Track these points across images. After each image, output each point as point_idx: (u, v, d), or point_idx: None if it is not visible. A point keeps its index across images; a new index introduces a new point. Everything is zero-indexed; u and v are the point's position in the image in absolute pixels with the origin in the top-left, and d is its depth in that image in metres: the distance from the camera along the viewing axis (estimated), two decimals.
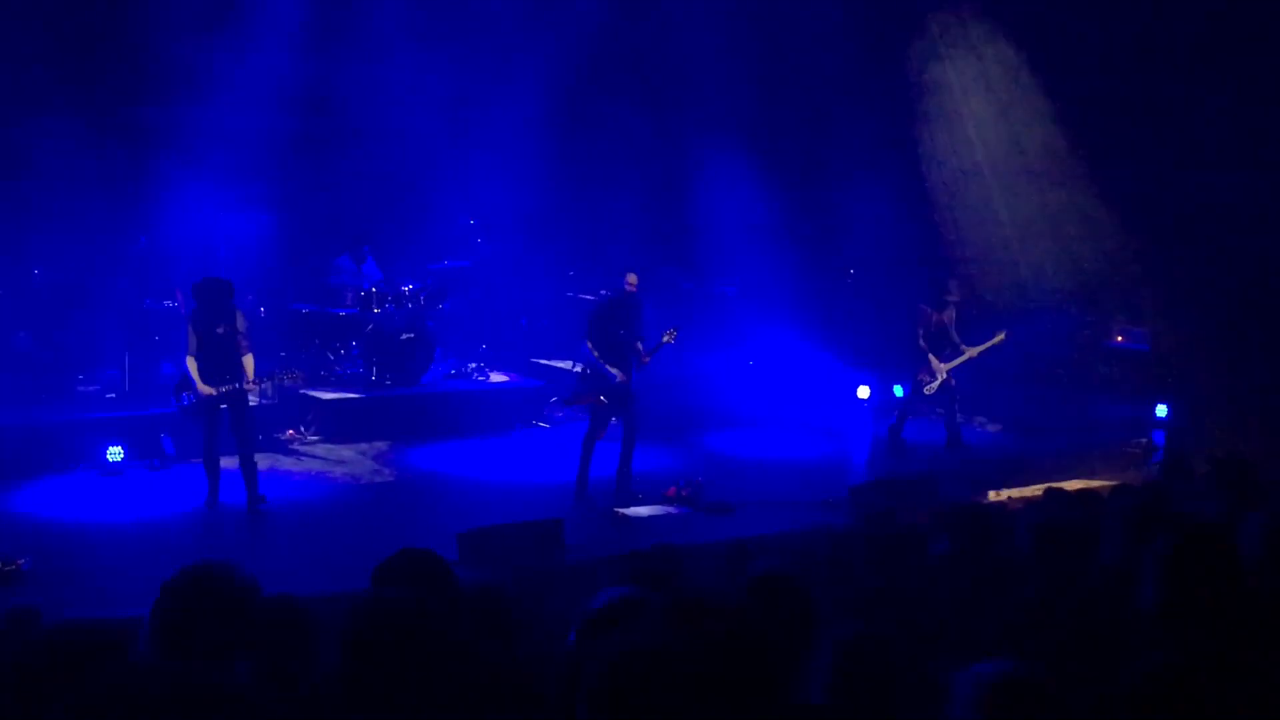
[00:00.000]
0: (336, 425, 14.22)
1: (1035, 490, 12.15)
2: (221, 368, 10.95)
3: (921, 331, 14.15)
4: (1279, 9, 13.38)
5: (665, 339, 11.80)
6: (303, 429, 14.10)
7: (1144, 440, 14.06)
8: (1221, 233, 14.23)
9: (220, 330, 10.92)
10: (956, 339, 14.15)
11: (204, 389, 10.89)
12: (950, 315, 14.14)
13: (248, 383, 11.08)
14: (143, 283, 14.75)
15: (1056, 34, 14.89)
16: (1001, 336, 14.09)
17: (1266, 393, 13.54)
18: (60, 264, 14.73)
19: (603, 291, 14.55)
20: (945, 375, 14.08)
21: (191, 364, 10.97)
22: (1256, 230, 14.03)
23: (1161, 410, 14.33)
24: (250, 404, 11.53)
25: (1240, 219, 14.11)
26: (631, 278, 11.64)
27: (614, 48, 16.51)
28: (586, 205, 17.05)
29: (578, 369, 12.29)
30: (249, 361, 11.07)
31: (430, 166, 16.62)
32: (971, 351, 14.11)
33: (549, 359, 16.36)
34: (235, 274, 14.89)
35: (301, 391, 14.48)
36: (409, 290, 15.52)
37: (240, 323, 11.06)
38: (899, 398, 14.70)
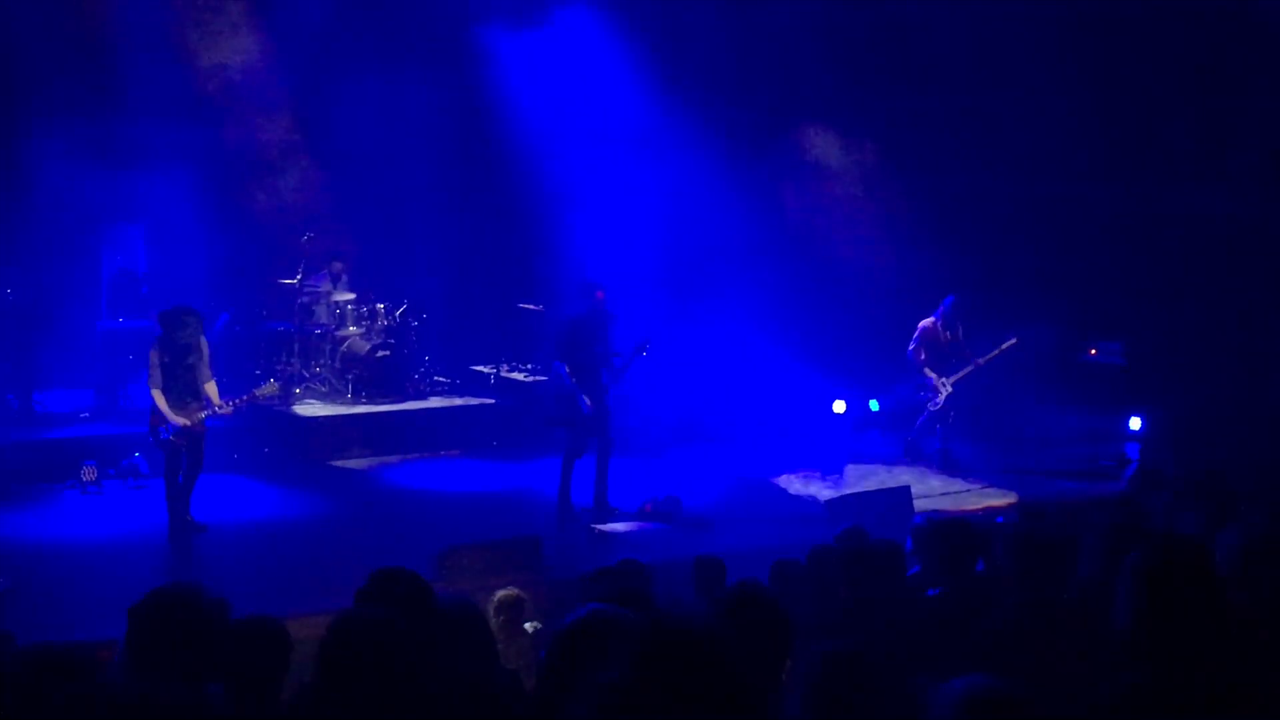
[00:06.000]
0: (313, 443, 14.16)
1: (1007, 500, 12.27)
2: (186, 396, 10.61)
3: (921, 346, 14.12)
4: None
5: (638, 352, 11.76)
6: (276, 447, 14.02)
7: (1119, 454, 14.11)
8: (1194, 244, 14.33)
9: (189, 360, 10.57)
10: (967, 353, 14.14)
11: (179, 419, 10.52)
12: (958, 331, 14.15)
13: (223, 406, 10.73)
14: (116, 302, 14.68)
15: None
16: (1012, 342, 14.09)
17: (1242, 405, 13.61)
18: (34, 283, 14.65)
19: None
20: (950, 389, 14.12)
21: (159, 396, 10.54)
22: (1229, 241, 14.14)
23: (1136, 423, 14.38)
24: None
25: (1212, 230, 14.22)
26: (599, 292, 11.62)
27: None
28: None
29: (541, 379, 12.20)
30: (212, 388, 10.72)
31: (404, 184, 16.66)
32: (981, 361, 14.10)
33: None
34: (210, 292, 14.95)
35: (277, 409, 14.46)
36: (383, 307, 15.51)
37: (205, 351, 10.74)
38: (924, 414, 14.48)
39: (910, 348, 14.19)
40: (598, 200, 16.53)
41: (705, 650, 3.26)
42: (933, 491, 12.95)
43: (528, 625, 7.27)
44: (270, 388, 11.81)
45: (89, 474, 12.31)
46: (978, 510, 11.82)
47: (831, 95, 16.53)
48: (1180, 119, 14.27)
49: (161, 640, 3.85)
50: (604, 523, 11.61)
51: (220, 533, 11.01)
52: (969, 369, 14.08)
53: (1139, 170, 14.59)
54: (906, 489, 12.06)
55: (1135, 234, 14.79)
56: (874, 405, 14.98)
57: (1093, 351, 15.44)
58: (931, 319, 14.13)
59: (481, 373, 16.45)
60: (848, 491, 12.51)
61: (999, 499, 12.59)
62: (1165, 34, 13.99)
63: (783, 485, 13.46)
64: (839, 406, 15.21)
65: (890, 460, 14.57)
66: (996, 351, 14.04)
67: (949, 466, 14.09)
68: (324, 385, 15.37)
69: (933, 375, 14.12)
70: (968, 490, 13.16)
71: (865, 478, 13.76)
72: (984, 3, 15.11)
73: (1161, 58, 14.07)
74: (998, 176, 15.62)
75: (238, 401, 10.98)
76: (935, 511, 11.43)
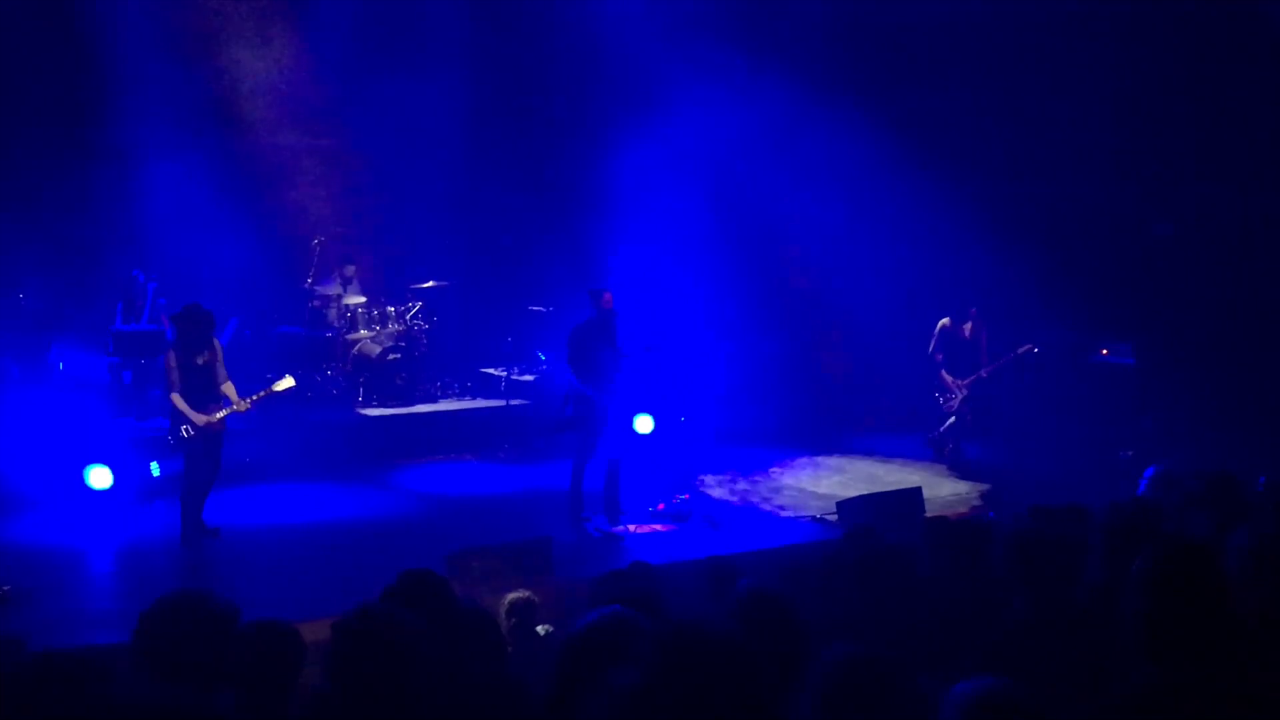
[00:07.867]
0: (324, 447, 14.18)
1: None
2: (204, 398, 10.66)
3: (939, 347, 14.21)
4: None
5: (645, 351, 11.74)
6: (288, 451, 14.02)
7: (1129, 455, 14.07)
8: (1207, 245, 14.30)
9: (201, 361, 10.63)
10: (986, 355, 14.22)
11: (200, 418, 10.57)
12: (981, 333, 14.21)
13: (241, 403, 10.80)
14: (128, 307, 14.72)
15: None
16: (1029, 348, 14.15)
17: (1254, 406, 13.57)
18: (47, 288, 14.68)
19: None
20: (965, 390, 14.16)
21: (179, 400, 10.56)
22: (1241, 242, 14.10)
23: (1147, 424, 14.33)
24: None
25: (1224, 231, 14.18)
26: (607, 296, 11.64)
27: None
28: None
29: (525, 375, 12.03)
30: (229, 388, 10.80)
31: (414, 188, 16.68)
32: (995, 365, 14.15)
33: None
34: (220, 297, 14.97)
35: (289, 414, 14.47)
36: (394, 311, 15.53)
37: (219, 351, 10.80)
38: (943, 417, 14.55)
39: (930, 348, 14.26)
40: (603, 201, 16.53)
41: (725, 656, 3.27)
42: (943, 492, 12.95)
43: (539, 628, 7.27)
44: (286, 382, 11.79)
45: (100, 477, 12.32)
46: (984, 510, 11.82)
47: (846, 91, 16.50)
48: (1192, 121, 14.23)
49: (170, 646, 3.87)
50: (615, 524, 11.62)
51: (232, 537, 11.02)
52: (983, 372, 14.14)
53: (1150, 171, 14.56)
54: (918, 490, 12.04)
55: (1147, 235, 14.77)
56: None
57: (1104, 352, 15.40)
58: (948, 319, 14.19)
59: (493, 375, 16.46)
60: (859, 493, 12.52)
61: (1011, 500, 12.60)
62: (1177, 36, 13.96)
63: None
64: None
65: (902, 459, 14.58)
66: (1012, 356, 14.11)
67: (960, 466, 14.11)
68: (335, 389, 15.39)
69: (948, 377, 14.18)
70: (977, 490, 13.16)
71: (877, 476, 13.77)
72: (998, 4, 15.09)
73: (1172, 60, 14.04)
74: (1012, 177, 15.60)
75: (255, 397, 11.01)
76: (946, 512, 11.44)
